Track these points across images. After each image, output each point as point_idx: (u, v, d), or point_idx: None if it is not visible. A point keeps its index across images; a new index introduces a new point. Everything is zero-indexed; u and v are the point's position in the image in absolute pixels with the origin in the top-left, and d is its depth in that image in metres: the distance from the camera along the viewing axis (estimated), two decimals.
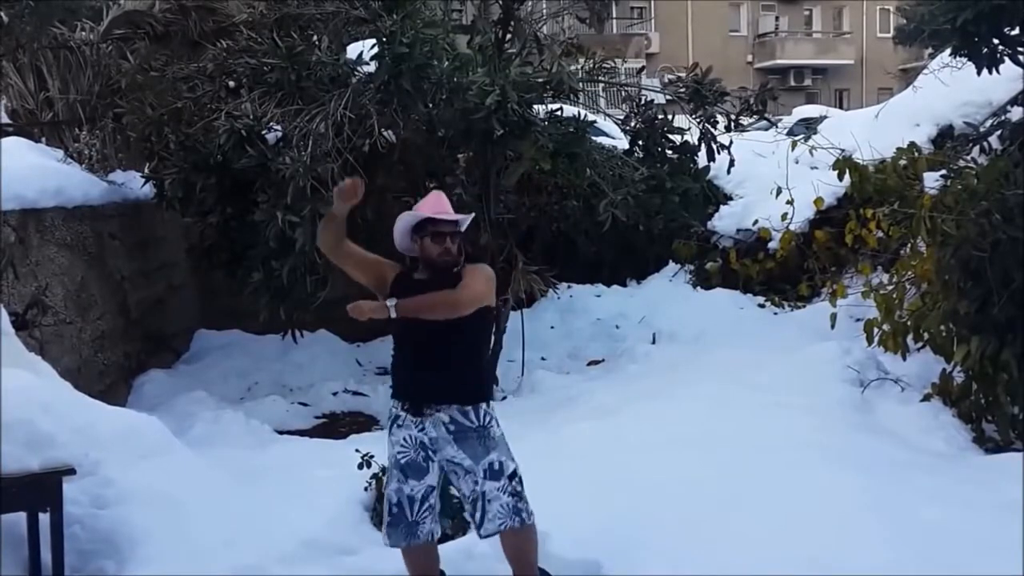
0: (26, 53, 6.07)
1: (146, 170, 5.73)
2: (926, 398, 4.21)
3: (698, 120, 5.30)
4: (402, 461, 2.50)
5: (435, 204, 2.60)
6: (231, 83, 5.39)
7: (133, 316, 5.49)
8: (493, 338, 4.16)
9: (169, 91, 5.36)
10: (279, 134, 5.13)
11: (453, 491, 2.69)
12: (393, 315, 2.42)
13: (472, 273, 2.55)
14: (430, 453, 2.50)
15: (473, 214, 2.73)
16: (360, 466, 3.34)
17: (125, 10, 6.19)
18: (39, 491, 2.58)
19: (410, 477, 2.49)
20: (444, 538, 2.80)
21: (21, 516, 2.61)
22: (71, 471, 2.67)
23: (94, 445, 3.04)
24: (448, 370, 2.49)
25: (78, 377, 4.22)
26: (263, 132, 5.09)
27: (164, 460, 3.31)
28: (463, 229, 2.61)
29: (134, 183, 5.73)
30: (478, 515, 2.49)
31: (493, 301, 2.63)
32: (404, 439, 2.51)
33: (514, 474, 2.50)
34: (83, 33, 6.40)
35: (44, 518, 2.60)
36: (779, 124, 7.92)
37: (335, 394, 5.60)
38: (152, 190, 5.61)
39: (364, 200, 4.93)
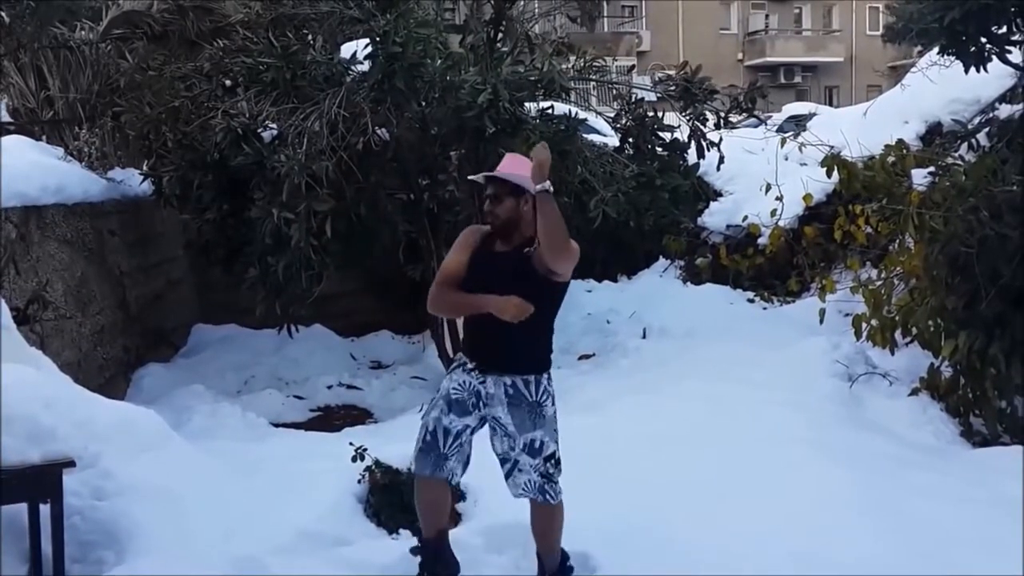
0: (27, 53, 6.14)
1: (144, 168, 5.80)
2: (914, 392, 4.26)
3: (688, 118, 5.34)
4: (452, 396, 2.55)
5: (502, 164, 2.57)
6: (227, 82, 5.45)
7: (132, 311, 5.56)
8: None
9: (167, 90, 5.42)
10: (275, 132, 5.19)
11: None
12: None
13: None
14: (480, 404, 2.55)
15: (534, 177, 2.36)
16: (354, 459, 3.39)
17: (124, 10, 6.27)
18: (40, 483, 2.62)
19: (453, 411, 2.54)
20: None
21: (22, 507, 2.64)
22: (71, 463, 2.70)
23: (94, 438, 3.07)
24: (512, 343, 2.51)
25: (78, 371, 4.27)
26: (259, 130, 5.15)
27: (162, 453, 3.35)
28: (529, 191, 2.40)
29: (133, 180, 5.80)
30: (506, 475, 2.58)
31: (568, 277, 2.56)
32: (462, 382, 2.56)
33: (551, 456, 2.55)
34: (83, 33, 6.48)
35: (45, 509, 2.63)
36: (769, 121, 7.95)
37: (330, 387, 5.65)
38: (150, 187, 5.68)
39: (357, 196, 4.96)
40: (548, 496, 2.56)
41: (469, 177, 2.62)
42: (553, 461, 2.56)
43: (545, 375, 2.58)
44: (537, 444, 2.53)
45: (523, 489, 2.55)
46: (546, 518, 2.62)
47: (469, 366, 2.58)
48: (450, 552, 2.70)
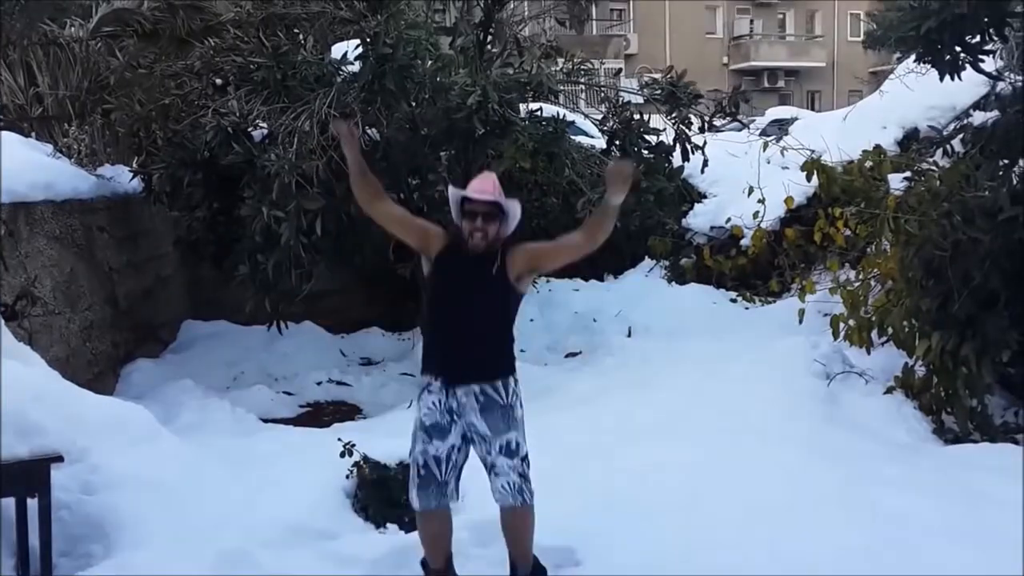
0: (16, 49, 6.13)
1: (134, 165, 5.82)
2: (889, 391, 4.32)
3: (673, 121, 5.43)
4: (427, 423, 2.56)
5: (477, 184, 2.61)
6: (218, 81, 5.49)
7: (122, 307, 5.56)
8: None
9: (157, 88, 5.46)
10: (265, 131, 5.24)
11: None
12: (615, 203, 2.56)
13: (526, 248, 2.61)
14: (455, 417, 2.56)
15: (517, 201, 2.65)
16: (342, 454, 3.44)
17: (114, 8, 6.25)
18: (28, 478, 2.62)
19: (434, 438, 2.54)
20: None
21: (10, 502, 2.65)
22: (59, 458, 2.72)
23: (82, 433, 3.10)
24: (476, 349, 2.54)
25: (67, 367, 4.27)
26: (249, 129, 5.19)
27: (151, 447, 3.38)
28: (509, 216, 2.57)
29: (123, 177, 5.81)
30: (489, 481, 2.59)
31: (524, 292, 2.67)
32: (432, 403, 2.57)
33: (525, 457, 2.57)
34: (73, 30, 6.46)
35: (33, 503, 2.64)
36: (752, 125, 8.05)
37: (319, 384, 5.69)
38: (140, 184, 5.70)
39: (348, 195, 4.97)
40: (525, 497, 2.57)
41: (483, 199, 2.57)
42: (527, 462, 2.58)
43: (511, 378, 2.60)
44: (513, 445, 2.55)
45: (502, 493, 2.55)
46: (521, 520, 2.62)
47: (433, 384, 2.58)
48: (454, 574, 2.70)
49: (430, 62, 5.05)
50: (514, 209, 2.61)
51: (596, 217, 2.72)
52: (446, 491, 2.57)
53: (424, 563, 2.72)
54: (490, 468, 2.57)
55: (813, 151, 6.02)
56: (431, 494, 2.56)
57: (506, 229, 2.62)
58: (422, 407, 2.60)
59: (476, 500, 3.11)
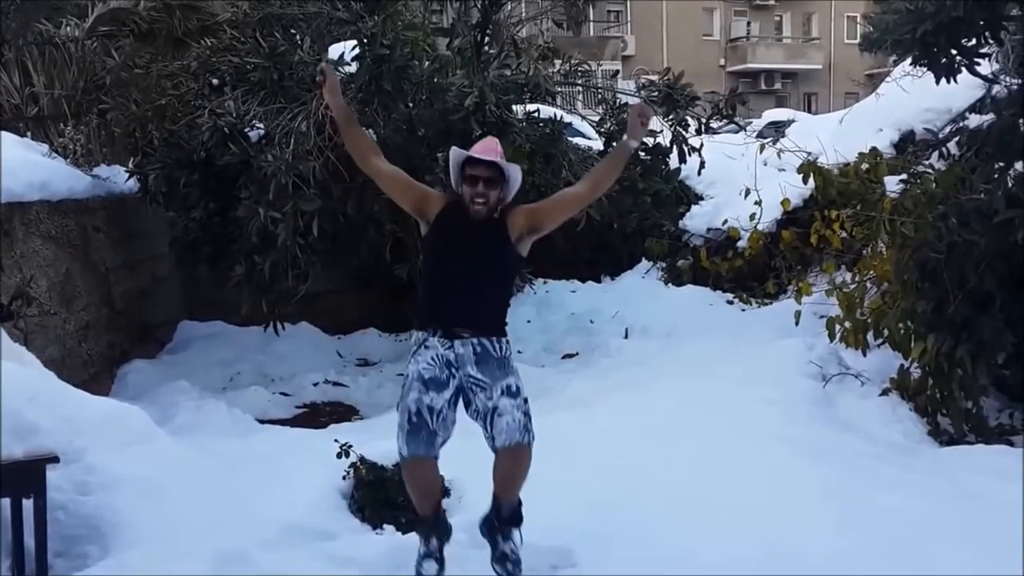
0: (12, 49, 6.11)
1: (130, 165, 5.81)
2: (884, 392, 4.34)
3: (670, 123, 5.45)
4: (426, 376, 2.52)
5: (480, 147, 2.59)
6: (214, 81, 5.48)
7: (117, 307, 5.55)
8: None
9: (153, 88, 5.45)
10: (261, 132, 5.24)
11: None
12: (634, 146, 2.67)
13: (524, 208, 2.62)
14: (453, 371, 2.54)
15: (517, 166, 2.63)
16: (339, 455, 3.44)
17: (110, 7, 6.25)
18: (23, 478, 2.60)
19: (431, 390, 2.51)
20: None
21: (6, 503, 2.63)
22: (55, 459, 2.70)
23: (78, 433, 3.09)
24: (479, 300, 2.55)
25: (62, 367, 4.27)
26: (246, 130, 5.19)
27: (147, 448, 3.37)
28: (510, 181, 2.56)
29: (118, 177, 5.79)
30: (489, 427, 2.52)
31: (524, 254, 2.68)
32: (432, 358, 2.54)
33: (526, 400, 2.55)
34: (68, 29, 6.45)
35: (28, 504, 2.62)
36: (749, 127, 8.07)
37: (316, 384, 5.67)
38: (136, 185, 5.69)
39: (344, 196, 4.98)
40: (529, 437, 2.52)
41: (486, 158, 2.51)
42: (528, 405, 2.56)
43: (505, 339, 2.61)
44: (514, 388, 2.53)
45: (508, 429, 2.47)
46: (523, 458, 2.54)
47: (434, 337, 2.55)
48: (444, 519, 2.71)
49: (427, 63, 5.05)
50: (515, 174, 2.59)
51: (606, 163, 2.72)
52: (435, 441, 2.52)
53: (418, 520, 2.70)
54: (492, 412, 2.49)
55: (809, 153, 6.04)
56: (421, 441, 2.50)
57: (507, 195, 2.60)
58: (420, 361, 2.55)
59: (475, 500, 3.12)
